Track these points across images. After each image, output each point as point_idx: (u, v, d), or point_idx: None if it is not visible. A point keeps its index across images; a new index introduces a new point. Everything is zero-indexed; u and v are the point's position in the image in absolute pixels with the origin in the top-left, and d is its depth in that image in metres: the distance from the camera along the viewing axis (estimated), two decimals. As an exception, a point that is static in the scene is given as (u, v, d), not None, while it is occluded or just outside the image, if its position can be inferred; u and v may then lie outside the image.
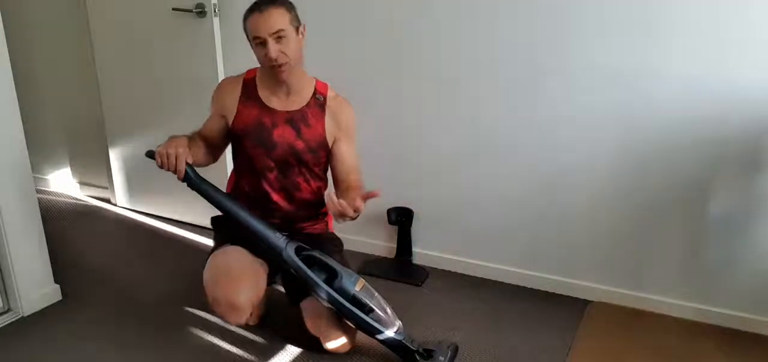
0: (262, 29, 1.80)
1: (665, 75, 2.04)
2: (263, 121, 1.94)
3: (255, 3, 1.84)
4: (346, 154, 1.98)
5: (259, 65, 1.99)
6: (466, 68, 2.33)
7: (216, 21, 2.58)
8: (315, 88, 1.97)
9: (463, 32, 2.30)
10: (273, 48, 1.80)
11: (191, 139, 1.93)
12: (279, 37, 1.81)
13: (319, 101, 1.96)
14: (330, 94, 1.98)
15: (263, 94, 1.96)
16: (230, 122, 1.97)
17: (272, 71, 1.87)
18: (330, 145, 1.98)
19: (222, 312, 1.88)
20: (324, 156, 1.99)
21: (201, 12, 2.58)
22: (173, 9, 2.63)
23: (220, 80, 2.56)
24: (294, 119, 1.94)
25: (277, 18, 1.81)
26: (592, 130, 2.20)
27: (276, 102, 1.95)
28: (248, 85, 1.98)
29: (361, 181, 1.97)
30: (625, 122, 2.14)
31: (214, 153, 2.04)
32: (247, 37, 1.86)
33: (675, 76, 2.03)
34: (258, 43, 1.83)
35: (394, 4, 2.39)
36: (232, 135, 1.99)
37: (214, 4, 2.56)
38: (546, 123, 2.26)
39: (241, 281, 1.87)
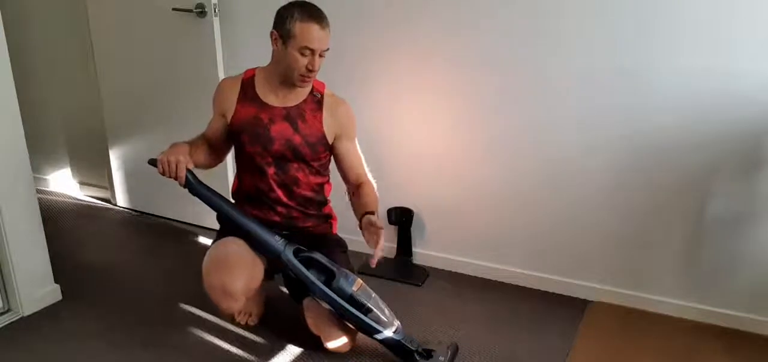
0: (319, 42, 1.84)
1: (665, 75, 2.04)
2: (260, 117, 1.96)
3: (313, 11, 1.84)
4: (350, 150, 2.04)
5: (257, 65, 2.01)
6: (466, 68, 2.33)
7: (216, 21, 2.57)
8: (312, 86, 1.99)
9: (463, 33, 2.30)
10: (318, 62, 1.87)
11: (194, 142, 1.96)
12: (323, 54, 1.87)
13: (316, 98, 1.99)
14: (327, 92, 2.02)
15: (261, 91, 1.98)
16: (229, 120, 1.99)
17: (298, 78, 1.89)
18: (330, 141, 2.00)
19: (216, 298, 1.92)
20: (323, 151, 2.01)
21: (201, 12, 2.57)
22: (173, 9, 2.62)
23: (219, 80, 2.58)
24: (291, 115, 1.96)
25: (329, 37, 1.87)
26: (593, 129, 2.20)
27: (273, 99, 1.97)
28: (246, 84, 2.00)
29: (368, 174, 2.06)
30: (625, 122, 2.14)
31: (218, 154, 2.08)
32: (287, 34, 1.84)
33: (675, 76, 2.03)
34: (305, 51, 1.83)
35: (395, 3, 2.39)
36: (232, 133, 2.01)
37: (214, 4, 2.55)
38: (546, 123, 2.26)
39: (236, 268, 1.91)
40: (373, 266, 1.84)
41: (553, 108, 2.24)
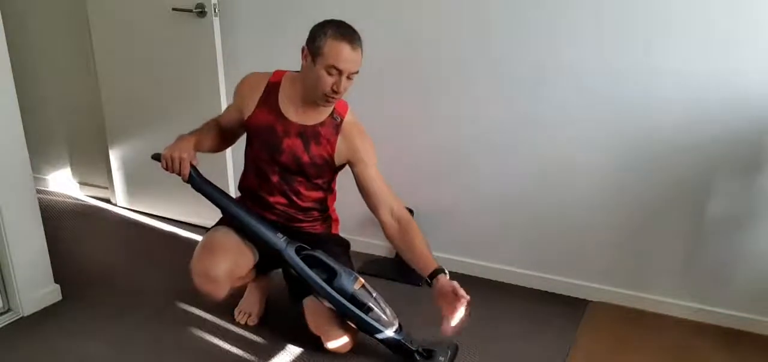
0: (347, 63, 1.78)
1: (665, 74, 2.05)
2: (275, 127, 1.93)
3: (346, 31, 1.79)
4: (368, 177, 1.94)
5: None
6: (466, 68, 2.33)
7: (216, 21, 2.57)
8: (334, 107, 1.94)
9: (463, 32, 2.30)
10: (345, 84, 1.81)
11: (202, 129, 1.99)
12: (351, 76, 1.82)
13: (335, 121, 1.93)
14: (348, 117, 1.95)
15: (282, 101, 1.94)
16: (246, 118, 1.97)
17: (322, 98, 1.84)
18: (337, 164, 1.97)
19: (199, 284, 1.92)
20: (328, 172, 1.99)
21: (201, 12, 2.57)
22: (173, 9, 2.62)
23: (220, 80, 2.60)
24: (306, 134, 1.92)
25: (360, 60, 1.82)
26: (593, 129, 2.20)
27: (292, 113, 1.93)
28: (270, 88, 1.95)
29: (401, 205, 1.95)
30: (625, 122, 2.15)
31: (227, 141, 2.11)
32: (316, 51, 1.79)
33: (675, 76, 2.03)
34: (332, 70, 1.78)
35: (395, 5, 2.39)
36: (246, 129, 2.01)
37: (214, 4, 2.55)
38: (546, 122, 2.27)
39: (219, 253, 1.92)
40: (448, 334, 1.79)
41: (552, 107, 2.24)
